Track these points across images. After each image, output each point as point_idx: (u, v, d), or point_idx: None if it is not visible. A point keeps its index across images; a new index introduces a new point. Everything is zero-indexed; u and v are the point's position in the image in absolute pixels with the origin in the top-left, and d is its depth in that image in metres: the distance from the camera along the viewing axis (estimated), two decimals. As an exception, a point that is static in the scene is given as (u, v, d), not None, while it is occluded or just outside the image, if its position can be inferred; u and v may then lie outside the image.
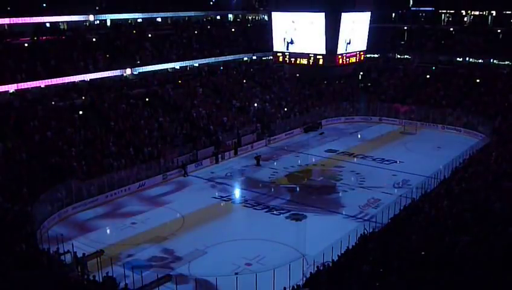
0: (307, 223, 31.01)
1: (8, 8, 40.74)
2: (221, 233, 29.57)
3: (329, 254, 23.00)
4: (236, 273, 23.92)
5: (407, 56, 64.89)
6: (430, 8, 65.33)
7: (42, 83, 41.86)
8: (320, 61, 42.10)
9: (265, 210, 33.13)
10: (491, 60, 59.03)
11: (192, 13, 58.01)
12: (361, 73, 61.26)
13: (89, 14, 47.51)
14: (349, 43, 42.83)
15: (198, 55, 54.51)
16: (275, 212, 32.82)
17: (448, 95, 53.95)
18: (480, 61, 59.93)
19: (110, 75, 46.87)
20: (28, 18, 42.07)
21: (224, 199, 35.21)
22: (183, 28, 56.54)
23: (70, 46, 44.49)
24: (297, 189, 37.20)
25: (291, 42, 43.49)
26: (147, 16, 53.91)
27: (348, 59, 43.50)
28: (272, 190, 36.90)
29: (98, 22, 48.93)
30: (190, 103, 48.32)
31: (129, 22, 52.20)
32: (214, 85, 53.14)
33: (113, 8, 48.93)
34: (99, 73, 45.50)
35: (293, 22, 42.78)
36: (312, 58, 42.34)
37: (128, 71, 48.10)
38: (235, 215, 32.46)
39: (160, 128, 42.77)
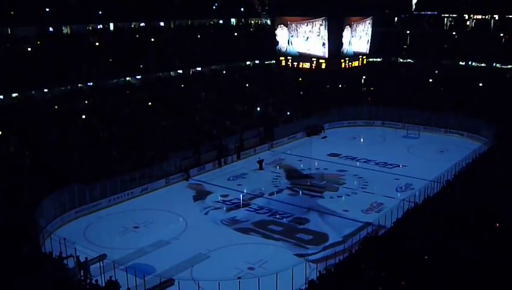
0: (309, 227, 30.98)
1: (12, 12, 40.81)
2: (224, 237, 29.57)
3: (332, 259, 22.96)
4: (239, 278, 23.94)
5: (410, 60, 64.82)
6: (433, 12, 65.24)
7: (45, 88, 41.99)
8: (323, 66, 42.08)
9: (268, 214, 33.13)
10: (494, 64, 58.94)
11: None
12: (364, 77, 61.24)
13: (92, 23, 47.58)
14: (351, 47, 42.81)
15: (201, 59, 54.55)
16: (277, 216, 32.81)
17: (451, 99, 53.84)
18: (482, 65, 59.83)
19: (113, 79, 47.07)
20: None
21: (227, 203, 35.20)
22: (186, 32, 56.61)
23: (73, 51, 44.54)
24: (300, 193, 37.17)
25: (294, 46, 43.48)
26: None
27: (350, 63, 43.46)
28: (275, 193, 36.89)
29: (100, 26, 48.96)
30: (193, 107, 48.37)
31: (132, 26, 52.25)
32: (216, 89, 53.18)
33: (117, 16, 48.93)
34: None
35: (295, 26, 42.80)
36: (315, 62, 42.35)
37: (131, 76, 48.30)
38: (237, 219, 32.42)
39: (163, 133, 42.80)
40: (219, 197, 36.09)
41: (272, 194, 36.88)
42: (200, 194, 36.88)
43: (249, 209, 33.96)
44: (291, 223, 31.66)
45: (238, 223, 31.84)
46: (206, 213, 33.44)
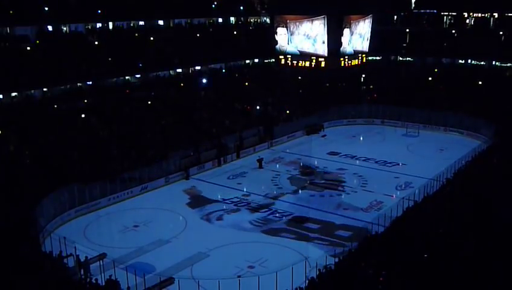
0: (309, 226, 30.99)
1: (11, 12, 40.77)
2: (224, 236, 29.59)
3: (332, 257, 22.97)
4: (239, 276, 23.96)
5: (410, 58, 64.86)
6: (432, 11, 65.29)
7: (45, 87, 42.00)
8: (323, 64, 42.15)
9: (268, 213, 33.13)
10: (494, 62, 59.00)
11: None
12: (363, 75, 61.25)
13: (91, 22, 47.59)
14: (351, 45, 42.89)
15: (200, 58, 54.54)
16: (277, 214, 32.82)
17: (450, 97, 53.86)
18: (482, 63, 59.89)
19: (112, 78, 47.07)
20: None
21: (226, 201, 35.20)
22: (186, 31, 56.62)
23: (72, 51, 44.56)
24: (300, 191, 37.18)
25: (294, 45, 43.53)
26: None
27: (350, 61, 43.52)
28: (275, 192, 36.89)
29: (99, 25, 48.96)
30: (193, 106, 48.38)
31: (131, 25, 52.25)
32: (216, 88, 53.19)
33: (116, 15, 48.90)
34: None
35: (295, 25, 42.85)
36: (314, 60, 42.42)
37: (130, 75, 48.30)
38: (237, 218, 32.44)
39: (163, 132, 42.80)
40: (219, 196, 36.05)
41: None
42: (200, 193, 36.88)
43: (249, 207, 33.91)
44: (291, 222, 31.68)
45: (239, 222, 31.82)
46: (206, 212, 33.38)
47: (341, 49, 41.85)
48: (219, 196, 36.11)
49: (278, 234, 29.96)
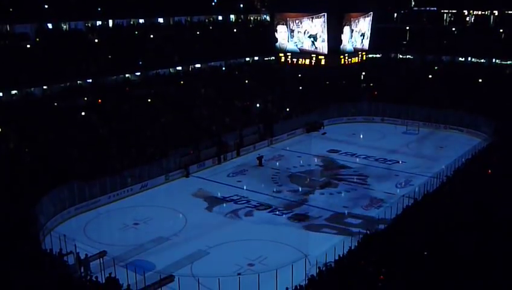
0: (309, 224, 31.01)
1: (11, 9, 40.71)
2: (224, 234, 29.59)
3: (332, 255, 23.00)
4: (238, 274, 23.99)
5: (410, 56, 64.87)
6: (433, 8, 65.28)
7: (44, 85, 41.97)
8: (322, 62, 42.14)
9: (268, 210, 33.15)
10: (494, 60, 58.99)
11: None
12: (363, 73, 61.23)
13: (91, 19, 47.56)
14: (351, 43, 42.86)
15: (200, 56, 54.51)
16: (277, 212, 32.84)
17: (450, 95, 53.85)
18: (482, 61, 59.88)
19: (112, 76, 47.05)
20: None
21: (226, 199, 35.22)
22: (185, 29, 56.58)
23: (72, 48, 44.52)
24: (300, 189, 37.19)
25: (294, 43, 43.50)
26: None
27: (350, 59, 43.50)
28: (274, 190, 36.90)
29: (99, 23, 48.93)
30: (192, 104, 48.35)
31: (131, 23, 52.20)
32: (216, 86, 53.17)
33: (116, 12, 48.84)
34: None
35: (295, 22, 42.83)
36: (314, 58, 42.41)
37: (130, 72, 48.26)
38: (237, 215, 32.45)
39: (163, 129, 42.79)
40: (218, 194, 36.04)
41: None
42: (200, 191, 36.90)
43: (249, 205, 33.90)
44: (291, 219, 31.71)
45: (239, 220, 31.83)
46: (206, 210, 33.39)
47: (341, 47, 41.80)
48: (219, 194, 36.13)
49: (278, 231, 29.91)
